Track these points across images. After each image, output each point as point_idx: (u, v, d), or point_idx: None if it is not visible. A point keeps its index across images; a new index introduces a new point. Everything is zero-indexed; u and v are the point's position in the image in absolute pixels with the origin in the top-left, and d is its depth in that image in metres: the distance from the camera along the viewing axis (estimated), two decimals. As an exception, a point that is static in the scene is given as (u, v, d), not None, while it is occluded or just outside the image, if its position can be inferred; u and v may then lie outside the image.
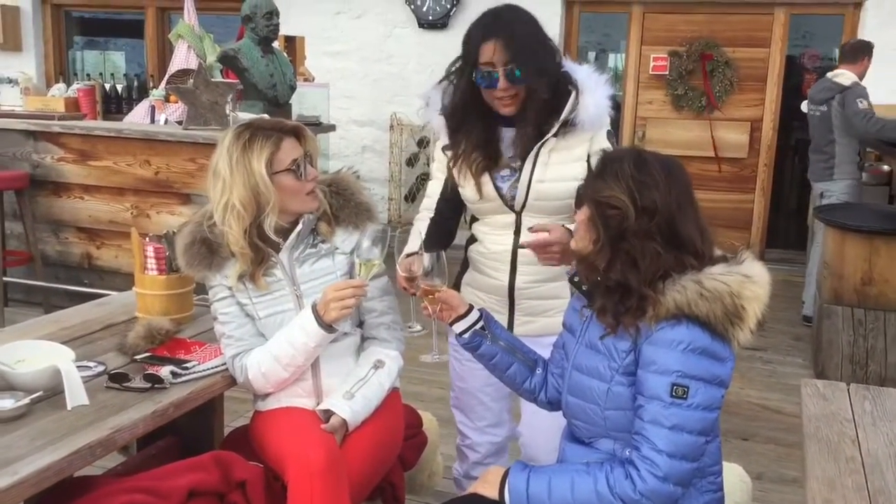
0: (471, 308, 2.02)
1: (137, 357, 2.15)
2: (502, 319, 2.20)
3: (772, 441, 3.77)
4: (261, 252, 2.11)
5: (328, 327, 2.03)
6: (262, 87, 4.86)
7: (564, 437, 1.96)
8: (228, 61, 4.85)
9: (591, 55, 8.86)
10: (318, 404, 2.14)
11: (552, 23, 6.85)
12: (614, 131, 2.25)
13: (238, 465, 1.89)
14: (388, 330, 2.24)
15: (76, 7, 8.12)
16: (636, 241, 1.70)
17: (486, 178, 2.18)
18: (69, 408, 1.86)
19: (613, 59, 8.20)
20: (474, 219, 2.31)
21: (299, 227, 2.12)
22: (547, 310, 2.23)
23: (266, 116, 4.80)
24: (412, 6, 6.93)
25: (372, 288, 2.17)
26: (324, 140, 6.05)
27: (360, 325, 2.26)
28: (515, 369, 2.04)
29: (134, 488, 1.75)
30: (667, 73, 6.93)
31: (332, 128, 5.68)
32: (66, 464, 1.68)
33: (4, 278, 5.07)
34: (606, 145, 2.16)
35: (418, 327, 2.24)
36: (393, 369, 2.22)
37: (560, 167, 2.14)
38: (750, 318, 1.67)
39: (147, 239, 2.46)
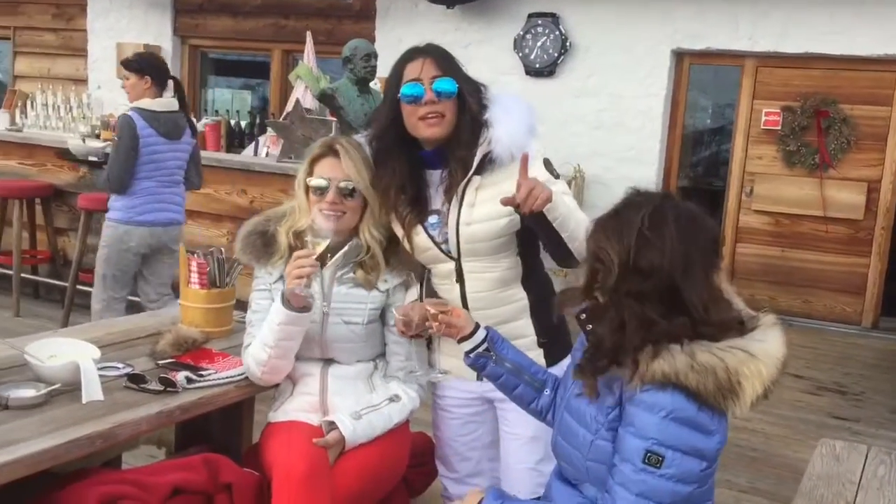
0: (477, 327, 2.04)
1: (160, 362, 2.28)
2: (465, 369, 2.14)
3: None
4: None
5: (289, 305, 2.09)
6: (357, 125, 5.03)
7: (554, 473, 1.93)
8: (326, 99, 5.08)
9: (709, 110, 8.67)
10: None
11: (659, 74, 6.80)
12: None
13: (226, 468, 1.98)
14: (409, 375, 2.28)
15: (212, 48, 8.70)
16: (626, 299, 1.63)
17: (417, 228, 2.18)
18: (84, 401, 2.00)
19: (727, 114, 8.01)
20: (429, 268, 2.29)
21: (345, 248, 2.20)
22: None
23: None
24: (520, 54, 7.04)
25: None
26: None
27: (376, 358, 2.32)
28: (521, 391, 2.03)
29: (121, 480, 1.86)
30: (779, 128, 6.71)
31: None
32: (62, 450, 1.81)
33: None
34: (545, 176, 2.10)
35: (440, 375, 2.26)
36: (407, 407, 2.26)
37: (487, 205, 2.10)
38: (747, 394, 1.58)
39: (193, 255, 2.61)
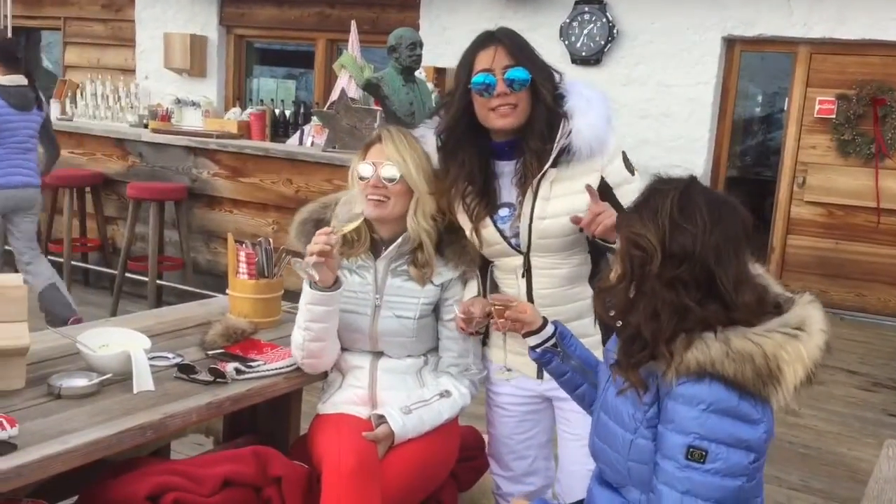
0: (545, 322, 1.98)
1: (210, 352, 2.28)
2: (529, 366, 2.11)
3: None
4: (350, 243, 2.20)
5: (314, 284, 2.08)
6: (401, 114, 5.01)
7: (594, 477, 1.88)
8: (372, 89, 5.05)
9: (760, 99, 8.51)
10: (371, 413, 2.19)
11: (710, 62, 6.67)
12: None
13: (276, 460, 1.96)
14: (463, 372, 2.25)
15: (257, 38, 8.74)
16: (659, 287, 1.59)
17: (486, 221, 2.12)
18: (135, 391, 2.00)
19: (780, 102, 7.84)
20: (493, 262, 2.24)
21: (399, 240, 2.18)
22: None
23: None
24: (566, 42, 6.95)
25: (455, 328, 2.20)
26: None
27: (427, 353, 2.29)
28: (584, 390, 1.99)
29: (172, 471, 1.86)
30: (833, 116, 6.53)
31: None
32: (114, 440, 1.81)
33: (159, 281, 5.50)
34: (625, 174, 2.05)
35: (507, 371, 2.23)
36: (457, 403, 2.22)
37: (563, 200, 2.04)
38: (788, 380, 1.53)
39: (242, 245, 2.61)
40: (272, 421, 2.55)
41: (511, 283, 2.17)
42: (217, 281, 5.53)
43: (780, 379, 1.52)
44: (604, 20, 6.87)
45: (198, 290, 5.47)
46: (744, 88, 7.62)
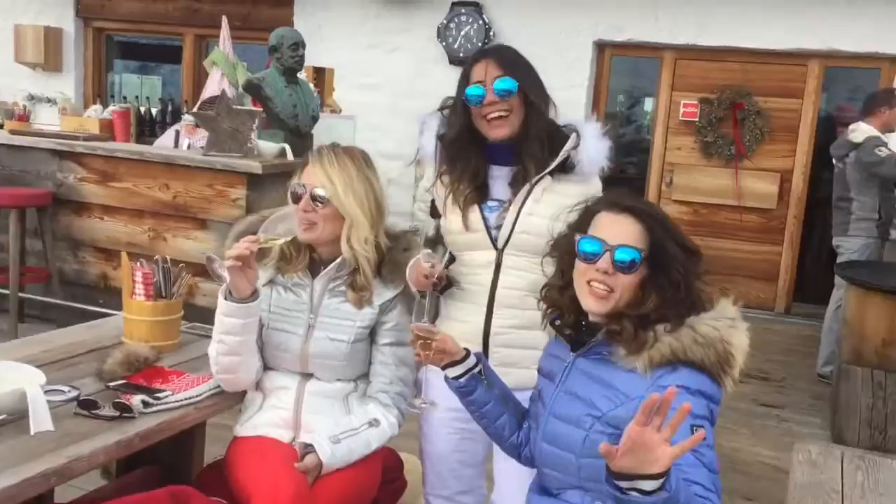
0: (468, 353, 1.95)
1: (111, 384, 2.12)
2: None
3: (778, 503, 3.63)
4: (287, 259, 2.17)
5: (230, 295, 2.04)
6: (285, 116, 4.88)
7: (532, 489, 1.89)
8: (253, 90, 4.89)
9: (621, 99, 8.81)
10: (294, 437, 2.12)
11: (582, 66, 6.85)
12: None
13: (194, 500, 1.85)
14: (393, 399, 2.19)
15: (118, 31, 8.29)
16: (679, 277, 1.70)
17: (474, 207, 2.16)
18: (32, 433, 1.83)
19: (646, 104, 8.16)
20: (451, 260, 2.24)
21: (337, 261, 2.12)
22: (522, 359, 2.14)
23: (286, 146, 4.86)
24: (443, 43, 6.97)
25: (389, 354, 2.17)
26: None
27: (357, 378, 2.22)
28: (505, 420, 1.97)
29: (82, 520, 1.71)
30: (696, 119, 6.86)
31: (353, 160, 5.68)
32: (15, 490, 1.65)
33: (21, 294, 5.12)
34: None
35: (424, 406, 2.23)
36: (386, 433, 2.16)
37: (549, 207, 2.10)
38: (738, 364, 1.66)
39: (137, 264, 2.45)
40: (174, 451, 2.40)
41: (475, 280, 2.17)
42: (86, 292, 5.21)
43: (731, 364, 1.65)
44: (480, 22, 6.93)
45: (65, 303, 5.13)
46: (612, 90, 7.89)
